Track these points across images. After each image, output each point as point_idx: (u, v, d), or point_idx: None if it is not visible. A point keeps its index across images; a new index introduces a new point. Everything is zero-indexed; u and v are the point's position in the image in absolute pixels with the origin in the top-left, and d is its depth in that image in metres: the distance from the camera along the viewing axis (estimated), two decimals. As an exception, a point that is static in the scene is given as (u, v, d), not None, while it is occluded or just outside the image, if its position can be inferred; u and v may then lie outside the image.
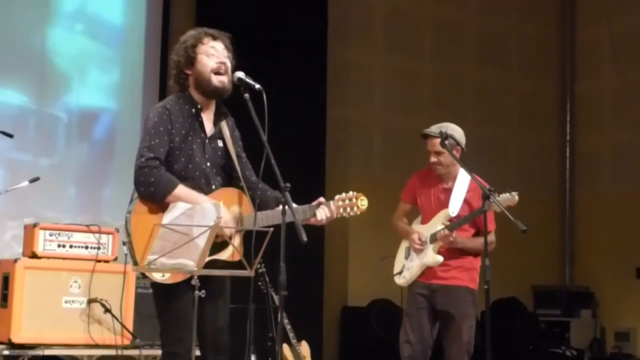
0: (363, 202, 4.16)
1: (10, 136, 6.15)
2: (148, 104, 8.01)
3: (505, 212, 5.02)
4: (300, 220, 3.97)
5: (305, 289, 7.85)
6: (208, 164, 4.15)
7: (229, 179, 4.23)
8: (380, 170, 9.46)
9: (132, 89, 8.07)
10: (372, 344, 8.66)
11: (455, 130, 5.58)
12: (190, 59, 4.15)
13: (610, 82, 10.42)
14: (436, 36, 10.13)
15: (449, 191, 5.57)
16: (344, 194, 4.19)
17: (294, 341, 6.91)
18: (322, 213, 4.11)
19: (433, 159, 5.57)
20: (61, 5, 7.87)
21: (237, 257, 4.00)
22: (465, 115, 10.11)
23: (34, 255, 5.91)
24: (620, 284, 9.86)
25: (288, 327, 6.82)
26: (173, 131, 4.08)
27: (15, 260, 5.83)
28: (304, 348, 7.03)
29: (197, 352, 4.24)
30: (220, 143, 4.21)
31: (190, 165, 4.09)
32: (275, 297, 6.61)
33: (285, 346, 6.87)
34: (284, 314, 3.94)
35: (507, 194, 5.29)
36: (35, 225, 5.96)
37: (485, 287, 5.01)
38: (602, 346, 9.93)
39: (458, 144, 5.54)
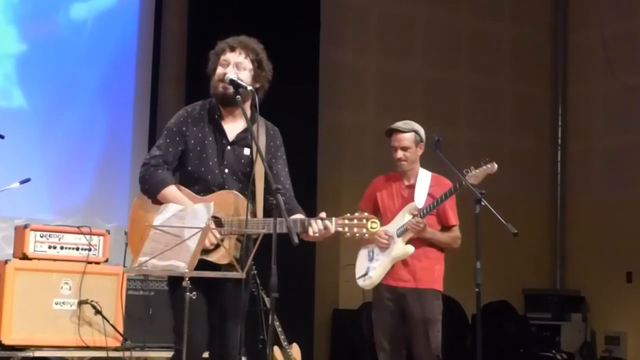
0: (374, 225, 4.00)
1: (1, 137, 6.14)
2: (139, 111, 8.00)
3: (497, 215, 5.04)
4: (294, 230, 3.95)
5: (297, 291, 7.84)
6: (226, 170, 4.19)
7: (253, 187, 4.19)
8: (372, 174, 9.31)
9: (124, 95, 8.05)
10: (363, 347, 8.65)
11: (421, 128, 5.68)
12: (211, 70, 4.28)
13: (602, 86, 10.44)
14: (429, 39, 10.13)
15: (411, 187, 5.64)
16: (356, 214, 4.05)
17: (285, 343, 6.90)
18: (315, 227, 4.01)
19: (399, 154, 5.63)
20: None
21: (226, 260, 4.00)
22: (457, 119, 10.16)
23: (25, 257, 5.90)
24: (610, 288, 9.88)
25: (279, 329, 6.82)
26: (188, 133, 4.20)
27: (6, 262, 5.81)
28: (295, 350, 7.03)
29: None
30: (245, 151, 4.24)
31: (202, 168, 4.17)
32: (267, 299, 6.60)
33: (276, 348, 6.86)
34: (275, 316, 3.93)
35: (484, 165, 5.36)
36: (26, 226, 5.95)
37: (476, 290, 5.02)
38: (592, 350, 9.94)
39: (422, 140, 5.61)
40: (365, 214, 4.06)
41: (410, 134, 5.63)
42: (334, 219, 4.03)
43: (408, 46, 10.03)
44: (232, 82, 4.15)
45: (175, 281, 4.00)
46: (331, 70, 9.31)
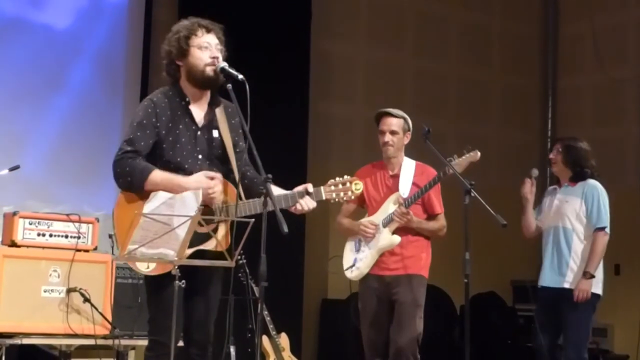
0: (358, 187, 4.19)
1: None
2: (129, 100, 7.97)
3: (486, 206, 5.05)
4: (283, 207, 3.98)
5: (286, 281, 7.86)
6: (200, 155, 4.15)
7: (227, 169, 4.21)
8: (361, 164, 9.35)
9: (114, 85, 8.02)
10: (351, 337, 8.66)
11: (409, 118, 5.72)
12: (183, 51, 4.18)
13: (592, 78, 10.46)
14: (419, 30, 10.14)
15: (396, 177, 5.65)
16: (338, 179, 4.20)
17: (273, 333, 6.92)
18: (304, 204, 4.10)
19: (387, 137, 5.64)
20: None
21: (222, 247, 4.00)
22: (447, 110, 10.16)
23: (14, 244, 5.89)
24: (598, 280, 9.90)
25: (268, 318, 6.83)
26: (158, 124, 4.09)
27: (-6, 249, 5.81)
28: (284, 340, 7.05)
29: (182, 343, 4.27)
30: (215, 133, 4.20)
31: (178, 158, 4.10)
32: (255, 289, 6.61)
33: (264, 338, 6.88)
34: (264, 306, 3.95)
35: (467, 153, 5.39)
36: (14, 213, 5.94)
37: (465, 281, 5.03)
38: (579, 342, 9.95)
39: (409, 130, 5.69)
40: (347, 177, 4.21)
41: (399, 120, 5.68)
42: (322, 188, 4.16)
43: (398, 37, 10.03)
44: (224, 70, 4.13)
45: (157, 275, 3.99)
46: (322, 61, 9.29)
